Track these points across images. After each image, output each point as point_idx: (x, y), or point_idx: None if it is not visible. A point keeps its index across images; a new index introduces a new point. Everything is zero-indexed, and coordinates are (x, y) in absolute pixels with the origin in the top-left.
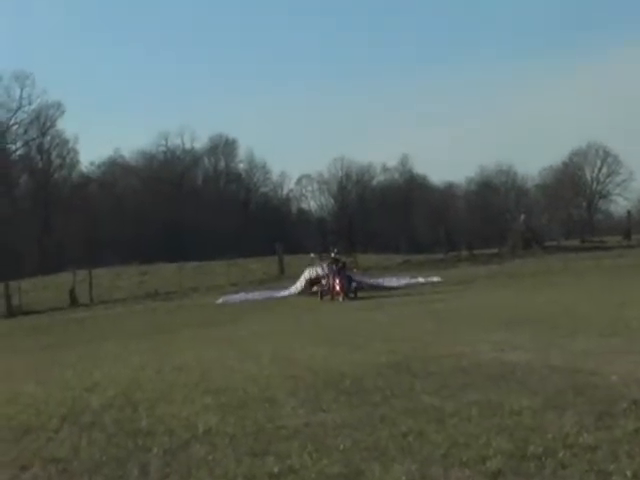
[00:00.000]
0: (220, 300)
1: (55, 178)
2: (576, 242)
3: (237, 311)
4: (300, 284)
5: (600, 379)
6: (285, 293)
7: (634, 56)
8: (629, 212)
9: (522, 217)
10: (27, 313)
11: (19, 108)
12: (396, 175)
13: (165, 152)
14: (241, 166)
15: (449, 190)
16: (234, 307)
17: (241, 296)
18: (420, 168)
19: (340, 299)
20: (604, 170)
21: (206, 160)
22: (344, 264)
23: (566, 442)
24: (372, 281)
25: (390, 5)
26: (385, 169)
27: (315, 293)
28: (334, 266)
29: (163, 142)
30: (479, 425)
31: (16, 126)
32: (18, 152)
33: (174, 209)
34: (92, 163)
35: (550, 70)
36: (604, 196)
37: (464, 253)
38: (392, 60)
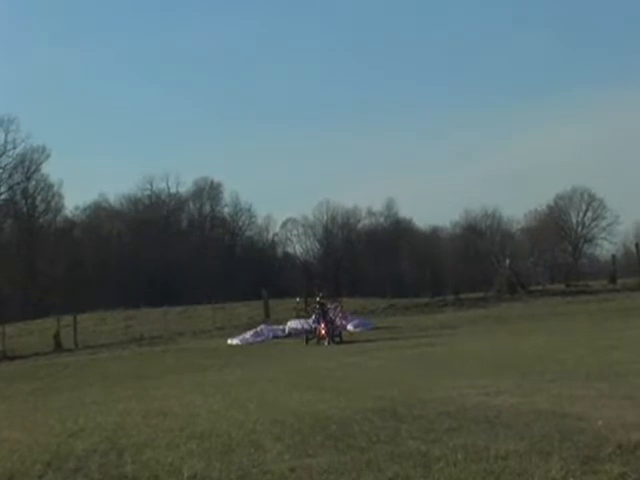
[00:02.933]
0: (234, 341)
1: (40, 222)
2: (561, 286)
3: (223, 356)
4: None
5: (586, 424)
6: (234, 341)
7: (620, 101)
8: (614, 256)
9: (507, 261)
10: (12, 358)
11: (3, 152)
12: (381, 219)
13: (150, 196)
14: (226, 210)
15: (434, 234)
16: (221, 352)
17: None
18: (405, 212)
19: (325, 343)
20: (589, 214)
21: (191, 204)
22: (323, 305)
23: None
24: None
25: (375, 51)
26: (370, 213)
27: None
28: (320, 310)
29: (148, 186)
30: (465, 470)
31: (0, 171)
32: (2, 196)
33: (159, 253)
34: (77, 207)
35: (535, 115)
36: (589, 240)
37: (450, 297)
38: (377, 105)
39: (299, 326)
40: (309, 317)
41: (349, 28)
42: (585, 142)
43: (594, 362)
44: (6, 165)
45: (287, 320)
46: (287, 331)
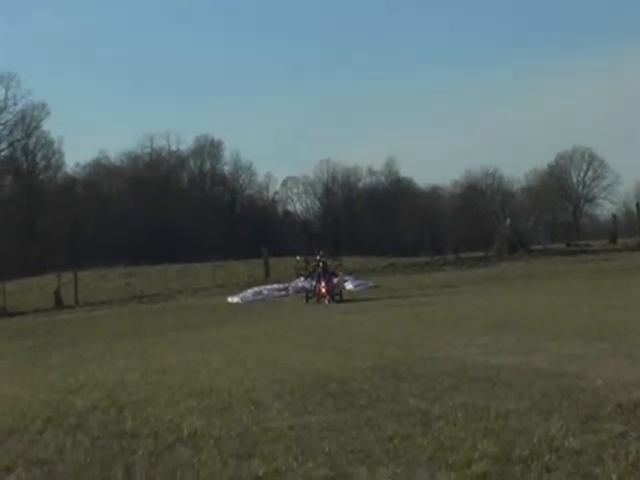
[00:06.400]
0: (235, 299)
1: (40, 179)
2: (562, 246)
3: (223, 314)
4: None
5: (586, 383)
6: (234, 299)
7: (620, 61)
8: (614, 216)
9: (508, 221)
10: (12, 314)
11: (4, 109)
12: (382, 178)
13: (150, 153)
14: (226, 168)
15: (435, 193)
16: (221, 310)
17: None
18: (406, 171)
19: (326, 302)
20: (590, 174)
21: (191, 162)
22: (325, 265)
23: (552, 445)
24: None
25: (377, 9)
26: (371, 172)
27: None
28: (321, 269)
29: (148, 143)
30: (465, 428)
31: (1, 127)
32: (3, 153)
33: (159, 211)
34: (77, 164)
35: (536, 73)
36: (590, 200)
37: (450, 256)
38: (379, 63)
39: (305, 285)
40: (310, 276)
41: None
42: (586, 102)
43: (594, 321)
44: (6, 122)
45: (288, 278)
46: (291, 291)
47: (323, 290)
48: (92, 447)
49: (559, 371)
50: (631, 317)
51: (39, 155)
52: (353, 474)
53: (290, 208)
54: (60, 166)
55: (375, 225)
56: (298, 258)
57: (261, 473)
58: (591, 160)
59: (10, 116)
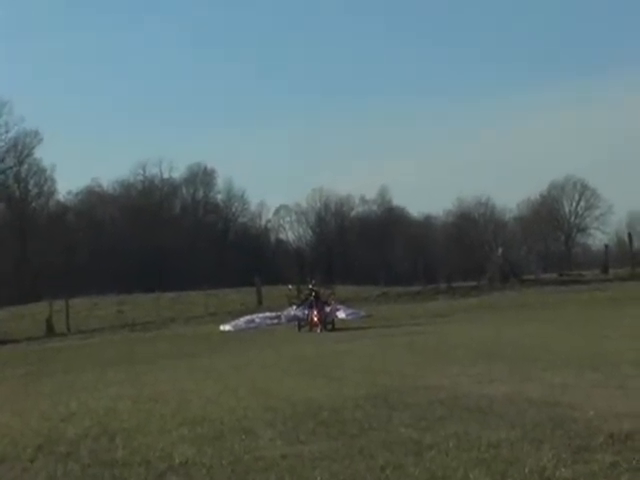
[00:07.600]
0: (227, 327)
1: (32, 207)
2: (554, 275)
3: (215, 342)
4: (242, 321)
5: (578, 413)
6: (227, 327)
7: (614, 91)
8: (607, 246)
9: (500, 250)
10: (4, 342)
11: None
12: (374, 207)
13: (143, 181)
14: (219, 196)
15: (428, 222)
16: (213, 338)
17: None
18: (398, 200)
19: (318, 330)
20: (582, 203)
21: (184, 190)
22: (317, 293)
23: (543, 475)
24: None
25: (371, 38)
26: (364, 201)
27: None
28: (312, 297)
29: (141, 171)
30: (457, 458)
31: None
32: None
33: (152, 238)
34: (69, 192)
35: (530, 103)
36: (582, 230)
37: (442, 286)
38: (372, 92)
39: (297, 313)
40: (302, 304)
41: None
42: (578, 132)
43: (586, 351)
44: None
45: (280, 307)
46: (283, 319)
47: (315, 319)
48: (83, 475)
49: (551, 401)
50: (623, 347)
51: (31, 182)
52: None
53: (282, 236)
54: (52, 193)
55: (368, 254)
56: (290, 287)
57: None
58: (583, 190)
59: (2, 143)
